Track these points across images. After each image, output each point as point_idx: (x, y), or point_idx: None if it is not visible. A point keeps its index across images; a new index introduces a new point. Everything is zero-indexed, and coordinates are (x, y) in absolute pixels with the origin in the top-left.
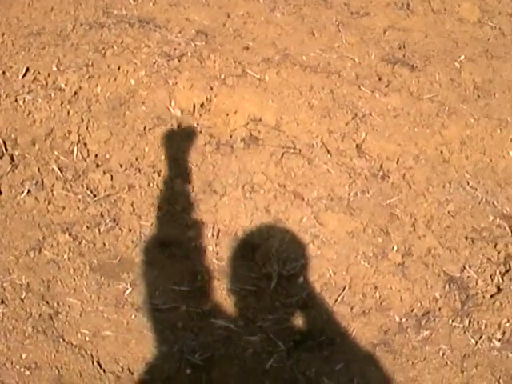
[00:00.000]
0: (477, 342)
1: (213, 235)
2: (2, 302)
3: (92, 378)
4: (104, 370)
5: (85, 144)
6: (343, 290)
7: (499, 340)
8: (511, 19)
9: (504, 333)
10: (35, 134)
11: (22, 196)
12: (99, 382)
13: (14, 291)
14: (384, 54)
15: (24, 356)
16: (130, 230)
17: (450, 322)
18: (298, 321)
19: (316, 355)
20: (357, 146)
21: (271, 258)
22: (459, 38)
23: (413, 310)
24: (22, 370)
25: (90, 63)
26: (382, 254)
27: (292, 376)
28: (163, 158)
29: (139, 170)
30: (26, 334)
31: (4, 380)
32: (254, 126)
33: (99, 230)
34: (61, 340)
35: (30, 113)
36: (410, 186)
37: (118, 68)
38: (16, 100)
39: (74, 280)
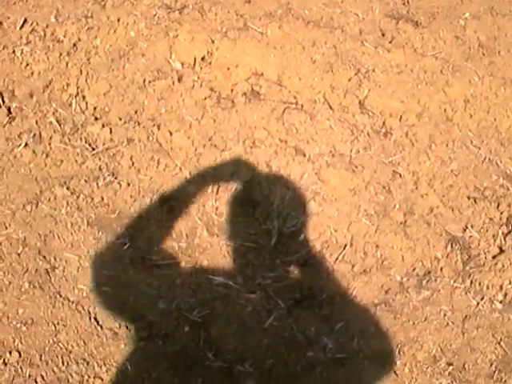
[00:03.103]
0: (478, 304)
1: (212, 190)
2: None
3: (89, 335)
4: (101, 327)
5: (83, 97)
6: (344, 248)
7: (501, 302)
8: None
9: (506, 294)
10: (33, 86)
11: (19, 149)
12: (96, 338)
13: (11, 246)
14: (388, 10)
15: (20, 311)
16: (129, 185)
17: (452, 282)
18: (298, 279)
19: (316, 314)
20: (359, 102)
21: (271, 215)
22: None
23: (414, 269)
24: (19, 325)
25: (90, 14)
26: (383, 212)
27: (291, 334)
28: (163, 111)
29: (138, 124)
30: (23, 290)
31: (0, 335)
32: (255, 81)
33: (97, 184)
34: (57, 296)
35: (27, 64)
36: (413, 144)
37: (118, 20)
38: (14, 51)
39: (72, 235)
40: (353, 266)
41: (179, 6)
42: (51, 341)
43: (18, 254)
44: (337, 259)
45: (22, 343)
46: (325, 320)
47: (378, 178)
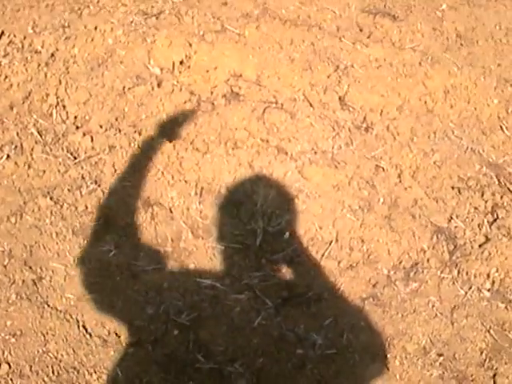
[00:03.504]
0: (466, 293)
1: (196, 193)
2: None
3: (78, 343)
4: (90, 334)
5: (63, 106)
6: (330, 244)
7: (488, 290)
8: None
9: (493, 282)
10: (13, 98)
11: (2, 161)
12: (86, 346)
13: None
14: (364, 5)
15: (8, 323)
16: (112, 192)
17: (439, 273)
18: (285, 277)
19: (304, 311)
20: (339, 98)
21: (256, 215)
22: None
23: (401, 262)
24: (7, 337)
25: (67, 24)
26: (368, 206)
27: (280, 333)
28: (143, 117)
29: (119, 131)
30: (10, 301)
31: None
32: (234, 82)
33: (81, 192)
34: (45, 306)
35: (6, 77)
36: (395, 138)
37: (95, 28)
38: None
39: (57, 244)
40: (339, 262)
41: (156, 11)
42: (41, 351)
43: (4, 266)
44: (323, 256)
45: (11, 355)
46: (313, 317)
47: (361, 173)
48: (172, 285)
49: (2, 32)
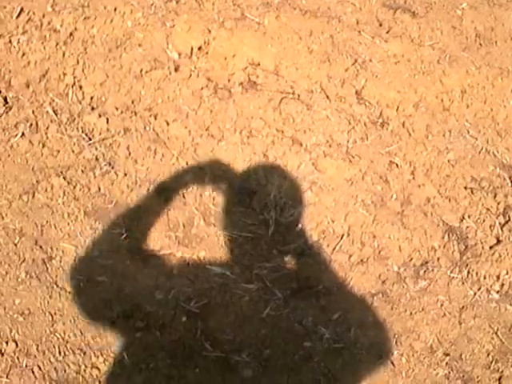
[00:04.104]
0: (475, 294)
1: (210, 180)
2: None
3: (86, 325)
4: None
5: (80, 86)
6: (341, 238)
7: (498, 292)
8: None
9: (503, 285)
10: (29, 76)
11: (16, 139)
12: (93, 328)
13: (7, 236)
14: (385, 0)
15: (17, 302)
16: (126, 175)
17: (449, 272)
18: (295, 269)
19: (313, 304)
20: (356, 92)
21: (269, 205)
22: None
23: (411, 259)
24: (15, 315)
25: (86, 4)
26: (380, 202)
27: (288, 325)
28: (160, 101)
29: (135, 114)
30: (19, 280)
31: None
32: (252, 71)
33: (94, 173)
34: (54, 286)
35: (24, 54)
36: (410, 134)
37: (115, 9)
38: (10, 41)
39: (68, 225)
40: (350, 256)
41: None
42: (48, 331)
43: (15, 244)
44: (334, 249)
45: (18, 333)
46: (322, 310)
47: (374, 168)
48: (182, 271)
49: (21, 9)
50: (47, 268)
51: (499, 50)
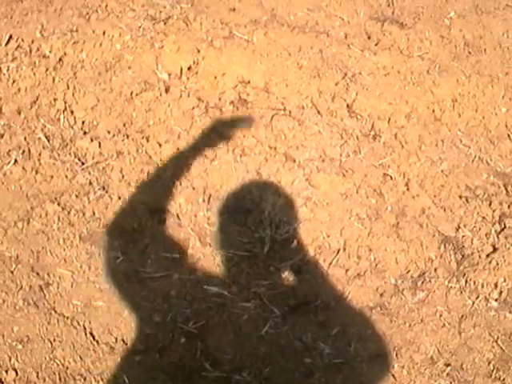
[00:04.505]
0: (474, 303)
1: (204, 200)
2: None
3: (85, 350)
4: (97, 342)
5: (71, 111)
6: (337, 252)
7: (496, 300)
8: None
9: (501, 292)
10: (20, 103)
11: (9, 166)
12: (93, 353)
13: (3, 264)
14: (373, 12)
15: (16, 329)
16: (120, 198)
17: (446, 282)
18: (293, 286)
19: (312, 320)
20: (347, 105)
21: (264, 222)
22: None
23: (408, 271)
24: (14, 343)
25: (75, 28)
26: (375, 215)
27: (288, 341)
28: (151, 123)
29: (127, 136)
30: (17, 307)
31: None
32: (242, 89)
33: (88, 198)
34: (52, 312)
35: (14, 81)
36: (403, 146)
37: (103, 33)
38: (0, 68)
39: (64, 250)
40: (347, 271)
41: (164, 16)
42: (47, 358)
43: (11, 272)
44: (330, 264)
45: (18, 361)
46: (321, 326)
47: (368, 182)
48: (179, 292)
49: (10, 36)
50: (44, 295)
51: (488, 57)
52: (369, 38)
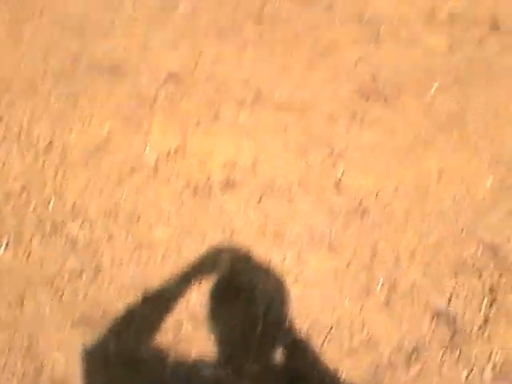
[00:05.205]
0: (468, 375)
1: (196, 282)
2: None
3: None
4: None
5: (61, 195)
6: (330, 329)
7: (491, 371)
8: (479, 46)
9: (495, 364)
10: (10, 189)
11: (0, 252)
12: None
13: None
14: (357, 88)
15: None
16: (112, 280)
17: (440, 355)
18: (286, 365)
19: None
20: (335, 182)
21: (255, 303)
22: (430, 67)
23: (401, 346)
24: None
25: (63, 112)
26: (366, 290)
27: None
28: (141, 205)
29: (118, 219)
30: None
31: None
32: (230, 169)
33: (80, 282)
34: None
35: (4, 165)
36: (391, 220)
37: (91, 116)
38: None
39: (58, 335)
40: (340, 347)
41: (150, 98)
42: None
43: (4, 358)
44: (324, 341)
45: None
46: None
47: (358, 258)
48: (174, 375)
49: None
50: (38, 381)
51: (472, 129)
52: (353, 114)
